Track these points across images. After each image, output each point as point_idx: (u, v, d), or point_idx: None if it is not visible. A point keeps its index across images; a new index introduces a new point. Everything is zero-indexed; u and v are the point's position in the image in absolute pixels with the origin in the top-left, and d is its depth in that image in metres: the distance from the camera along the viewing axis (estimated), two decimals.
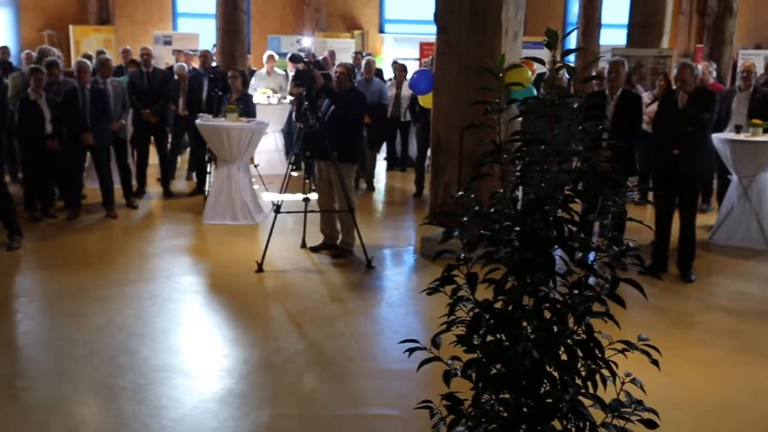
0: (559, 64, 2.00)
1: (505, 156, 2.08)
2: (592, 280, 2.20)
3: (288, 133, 11.34)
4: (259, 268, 6.37)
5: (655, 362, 2.21)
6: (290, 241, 7.33)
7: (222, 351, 4.78)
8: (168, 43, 16.21)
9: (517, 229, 2.01)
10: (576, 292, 2.08)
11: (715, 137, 7.46)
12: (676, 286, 6.24)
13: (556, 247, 2.03)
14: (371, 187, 10.36)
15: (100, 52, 10.20)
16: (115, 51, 14.46)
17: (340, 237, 7.06)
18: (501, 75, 2.06)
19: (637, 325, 5.24)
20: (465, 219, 2.08)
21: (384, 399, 4.16)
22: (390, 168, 12.00)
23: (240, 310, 5.53)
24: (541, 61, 2.22)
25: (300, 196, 6.93)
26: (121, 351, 4.66)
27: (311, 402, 4.09)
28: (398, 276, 6.53)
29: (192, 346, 4.87)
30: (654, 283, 6.22)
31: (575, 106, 2.01)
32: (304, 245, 7.17)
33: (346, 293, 5.98)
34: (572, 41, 15.90)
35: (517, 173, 2.07)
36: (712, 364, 4.67)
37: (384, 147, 11.82)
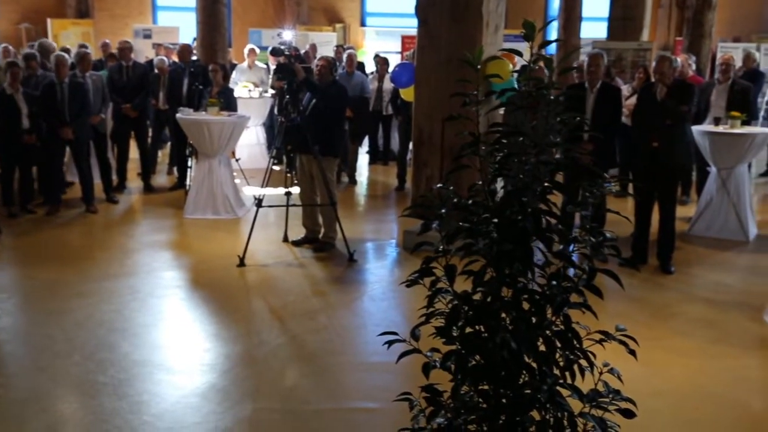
0: (536, 56, 2.00)
1: (483, 148, 2.09)
2: (571, 272, 2.22)
3: (270, 126, 11.30)
4: (241, 263, 6.35)
5: (632, 352, 2.23)
6: (272, 235, 7.31)
7: (203, 346, 4.76)
8: (148, 36, 16.07)
9: (495, 220, 2.02)
10: (554, 283, 2.10)
11: (695, 129, 7.52)
12: (655, 277, 6.30)
13: (535, 238, 2.04)
14: (353, 181, 10.35)
15: (82, 46, 10.11)
16: (95, 45, 14.33)
17: (322, 231, 7.05)
18: (479, 67, 2.07)
19: (616, 316, 5.30)
20: (443, 211, 2.08)
21: (366, 392, 4.17)
22: (372, 161, 12.00)
23: (222, 304, 5.52)
24: (518, 53, 2.23)
25: (282, 190, 6.91)
26: (102, 347, 4.63)
27: (293, 396, 4.09)
28: (380, 269, 6.54)
29: (173, 341, 4.86)
30: (633, 274, 6.28)
31: (552, 97, 2.02)
32: (286, 239, 7.15)
33: (328, 287, 5.98)
34: (554, 34, 15.95)
35: (495, 165, 2.08)
36: (690, 354, 4.72)
37: (366, 140, 11.82)
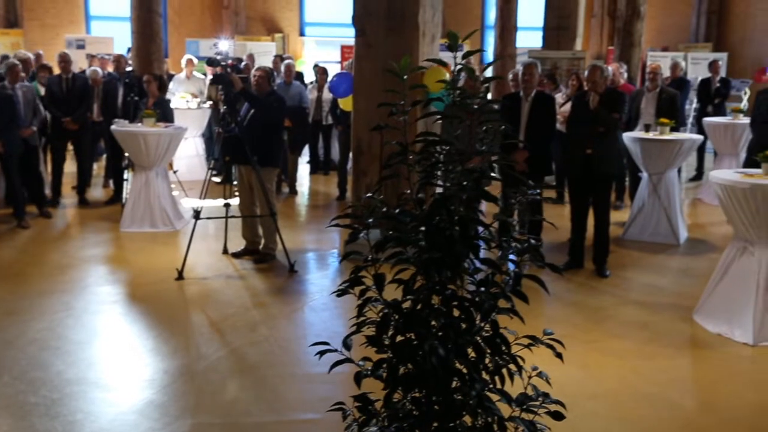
0: (461, 66, 2.04)
1: (411, 156, 2.11)
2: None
3: (208, 137, 11.18)
4: (180, 276, 6.25)
5: (559, 355, 2.27)
6: (211, 247, 7.22)
7: (141, 361, 4.67)
8: (81, 47, 15.73)
9: (423, 228, 2.04)
10: (483, 289, 2.13)
11: (626, 136, 7.73)
12: (591, 281, 6.44)
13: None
14: (294, 191, 10.31)
15: (4, 57, 9.85)
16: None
17: (263, 242, 7.00)
18: (405, 77, 2.09)
19: (553, 320, 5.41)
20: (370, 220, 2.10)
21: (307, 403, 4.15)
22: (313, 171, 11.98)
23: (160, 319, 5.42)
24: (444, 63, 2.26)
25: (221, 202, 6.83)
26: (33, 366, 4.50)
27: (233, 409, 4.04)
28: (322, 279, 6.52)
29: (109, 357, 4.74)
30: (570, 279, 6.43)
31: (476, 106, 2.06)
32: (225, 251, 7.07)
33: (268, 298, 5.93)
34: (490, 43, 16.21)
35: (423, 174, 2.10)
36: (625, 356, 4.84)
37: (306, 150, 11.78)
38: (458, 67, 2.01)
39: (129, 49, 12.14)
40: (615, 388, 4.34)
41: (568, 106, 7.71)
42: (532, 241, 2.13)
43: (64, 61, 9.11)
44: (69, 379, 4.32)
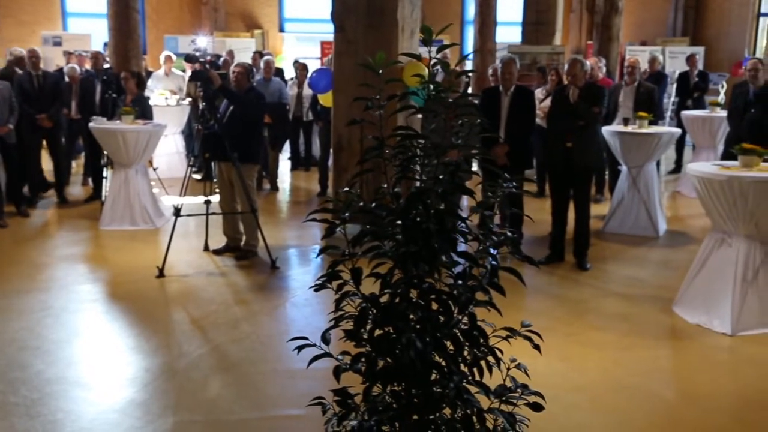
0: (436, 61, 2.04)
1: (387, 151, 2.11)
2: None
3: (188, 134, 11.12)
4: (160, 274, 6.22)
5: (536, 347, 2.28)
6: (192, 244, 7.19)
7: (122, 360, 4.64)
8: (58, 44, 15.57)
9: (399, 222, 2.04)
10: (460, 282, 2.13)
11: (605, 130, 7.78)
12: (572, 274, 6.48)
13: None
14: (275, 187, 10.29)
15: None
16: (1, 52, 13.78)
17: (244, 239, 6.97)
18: (380, 71, 2.09)
19: (535, 313, 5.44)
20: (346, 215, 2.10)
21: (290, 399, 4.14)
22: (294, 168, 11.95)
23: (141, 317, 5.38)
24: (419, 58, 2.27)
25: (201, 199, 6.80)
26: (12, 366, 4.45)
27: (215, 407, 4.03)
28: (304, 275, 6.51)
29: (90, 356, 4.71)
30: (551, 272, 6.46)
31: (451, 100, 2.07)
32: (206, 248, 7.04)
33: (250, 295, 5.91)
34: (470, 39, 16.24)
35: (399, 168, 2.10)
36: (606, 347, 4.87)
37: (287, 146, 11.75)
38: (433, 61, 2.01)
39: (105, 44, 12.02)
40: (596, 379, 4.38)
41: (548, 101, 7.75)
42: (508, 234, 2.14)
43: (35, 57, 8.99)
44: (49, 379, 4.28)
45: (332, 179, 7.56)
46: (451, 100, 2.06)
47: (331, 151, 7.65)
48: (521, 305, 5.54)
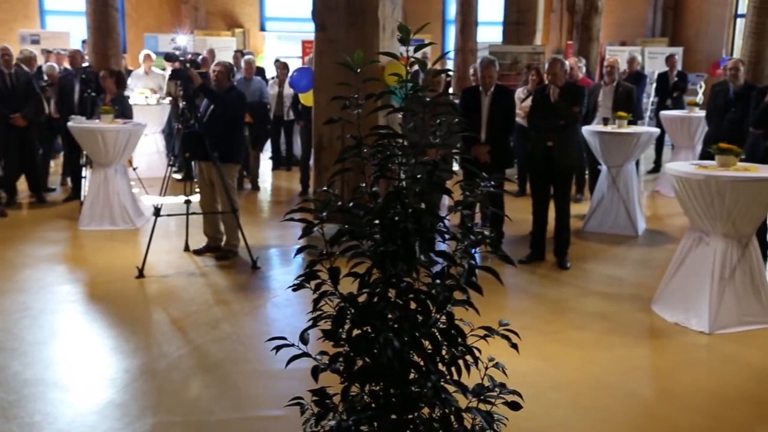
0: (413, 60, 2.04)
1: (366, 150, 2.11)
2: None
3: (168, 134, 11.05)
4: (140, 274, 6.18)
5: (514, 346, 2.29)
6: (172, 244, 7.15)
7: (101, 361, 4.60)
8: (36, 42, 15.41)
9: (377, 222, 2.04)
10: (438, 281, 2.14)
11: (585, 129, 7.82)
12: (553, 273, 6.51)
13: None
14: (256, 187, 10.26)
15: None
16: None
17: (225, 239, 6.94)
18: (359, 71, 2.09)
19: (516, 312, 5.47)
20: (324, 214, 2.10)
21: (271, 400, 4.12)
22: (275, 167, 11.92)
23: (120, 317, 5.35)
24: (395, 56, 2.27)
25: (182, 199, 6.76)
26: None
27: (196, 408, 4.01)
28: (285, 275, 6.49)
29: (68, 358, 4.67)
30: (532, 271, 6.49)
31: (429, 99, 2.07)
32: (187, 248, 7.00)
33: (231, 295, 5.89)
34: (451, 38, 16.28)
35: (375, 166, 2.10)
36: (586, 346, 4.90)
37: (269, 146, 11.72)
38: (411, 60, 2.02)
39: (83, 42, 11.91)
40: (575, 378, 4.40)
41: (529, 101, 7.78)
42: (486, 233, 2.14)
43: (7, 54, 8.88)
44: (26, 381, 4.24)
45: (314, 179, 7.55)
46: (428, 99, 2.07)
47: (313, 150, 7.65)
48: (502, 304, 5.56)
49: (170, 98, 10.55)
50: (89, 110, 8.64)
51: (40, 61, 13.03)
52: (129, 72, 11.64)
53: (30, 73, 9.30)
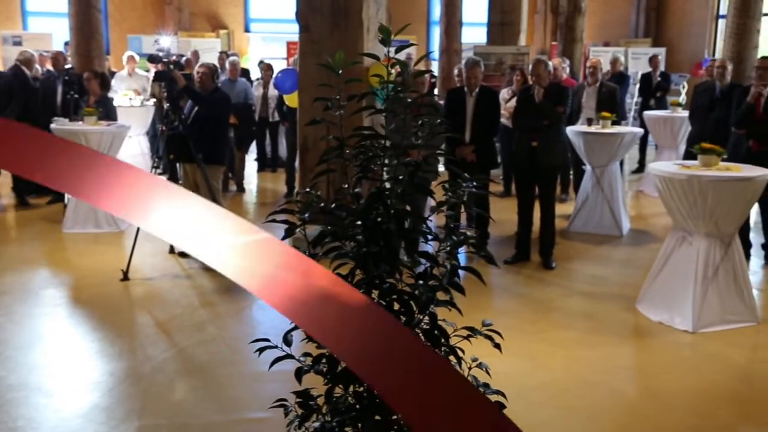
0: (394, 60, 2.05)
1: (348, 151, 2.12)
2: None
3: (153, 136, 11.00)
4: (125, 277, 6.15)
5: (497, 346, 2.30)
6: (157, 247, 7.11)
7: (86, 364, 4.58)
8: (18, 43, 15.28)
9: (359, 223, 2.05)
10: (421, 282, 2.14)
11: (569, 130, 7.86)
12: (538, 273, 6.54)
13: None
14: (241, 189, 10.23)
15: None
16: None
17: None
18: (340, 72, 2.10)
19: (501, 312, 5.48)
20: (306, 216, 2.10)
21: (257, 402, 4.12)
22: (261, 169, 11.89)
23: (105, 321, 5.32)
24: (377, 58, 2.27)
25: None
26: None
27: (181, 410, 3.99)
28: None
29: (52, 362, 4.64)
30: (517, 271, 6.52)
31: (410, 100, 2.08)
32: (172, 251, 6.98)
33: (216, 298, 5.87)
34: (436, 39, 16.30)
35: (358, 167, 2.11)
36: (570, 345, 4.93)
37: (254, 147, 11.69)
38: (392, 62, 2.03)
39: (66, 43, 11.83)
40: (561, 377, 4.42)
41: (513, 102, 7.81)
42: (468, 233, 2.15)
43: None
44: (10, 385, 4.21)
45: (299, 180, 7.54)
46: (410, 100, 2.07)
47: (298, 151, 7.63)
48: (488, 305, 5.58)
49: (154, 100, 10.51)
50: (72, 112, 8.58)
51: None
52: (112, 74, 11.58)
53: (9, 75, 9.19)
